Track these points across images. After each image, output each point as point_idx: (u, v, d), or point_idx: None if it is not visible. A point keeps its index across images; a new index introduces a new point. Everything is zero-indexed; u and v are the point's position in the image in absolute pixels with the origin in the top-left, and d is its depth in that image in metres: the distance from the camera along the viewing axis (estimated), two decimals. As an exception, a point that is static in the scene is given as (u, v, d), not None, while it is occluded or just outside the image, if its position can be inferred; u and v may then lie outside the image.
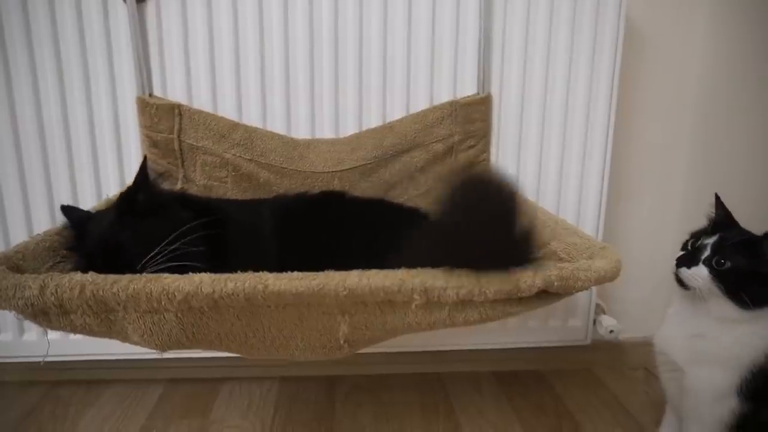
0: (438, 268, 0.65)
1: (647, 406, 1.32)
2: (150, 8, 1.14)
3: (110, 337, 0.67)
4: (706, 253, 0.85)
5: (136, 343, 0.67)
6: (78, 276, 0.61)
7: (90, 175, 1.20)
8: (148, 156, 1.14)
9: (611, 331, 1.33)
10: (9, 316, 1.22)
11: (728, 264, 0.82)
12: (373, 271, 0.64)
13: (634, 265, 1.41)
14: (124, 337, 0.67)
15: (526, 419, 1.26)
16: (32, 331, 1.25)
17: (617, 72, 1.20)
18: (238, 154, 1.14)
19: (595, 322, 1.36)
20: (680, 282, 0.88)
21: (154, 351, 0.71)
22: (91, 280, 0.61)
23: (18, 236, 1.20)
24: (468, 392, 1.38)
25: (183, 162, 1.16)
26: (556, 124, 1.23)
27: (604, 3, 1.17)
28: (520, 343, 1.37)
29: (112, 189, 1.20)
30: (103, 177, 1.21)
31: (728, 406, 0.85)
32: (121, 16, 1.14)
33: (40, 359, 1.19)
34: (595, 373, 1.46)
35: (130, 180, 1.13)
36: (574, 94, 1.22)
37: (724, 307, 0.83)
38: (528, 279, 0.64)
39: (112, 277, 0.61)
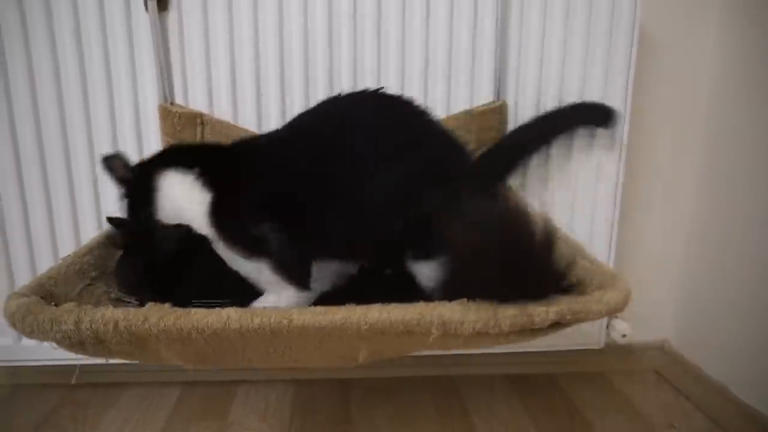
0: (456, 301, 0.66)
1: (659, 410, 1.34)
2: (172, 17, 1.15)
3: (144, 359, 0.69)
4: None
5: (169, 362, 0.69)
6: (110, 312, 0.63)
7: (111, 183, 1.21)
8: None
9: (624, 336, 1.34)
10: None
11: None
12: (393, 306, 0.65)
13: (645, 269, 1.42)
14: (158, 359, 0.69)
15: (539, 422, 1.28)
16: (54, 336, 1.27)
17: (631, 79, 1.20)
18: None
19: (607, 326, 1.37)
20: None
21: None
22: (122, 316, 0.62)
23: (40, 239, 1.23)
24: (481, 395, 1.40)
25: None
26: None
27: (619, 10, 1.16)
28: (533, 347, 1.38)
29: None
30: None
31: None
32: (143, 24, 1.14)
33: (74, 369, 1.22)
34: (607, 376, 1.48)
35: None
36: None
37: None
38: (542, 313, 0.65)
39: (142, 312, 0.63)
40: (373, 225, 0.81)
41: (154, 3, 1.12)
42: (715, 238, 1.32)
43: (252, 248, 0.76)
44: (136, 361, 0.72)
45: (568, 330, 1.33)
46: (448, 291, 0.69)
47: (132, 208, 0.87)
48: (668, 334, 1.48)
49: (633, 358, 1.49)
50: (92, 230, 1.22)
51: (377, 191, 0.81)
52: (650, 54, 1.28)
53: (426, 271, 0.83)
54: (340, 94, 0.95)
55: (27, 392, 1.40)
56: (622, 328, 1.34)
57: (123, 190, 0.90)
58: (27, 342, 1.27)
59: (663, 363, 1.48)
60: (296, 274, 0.79)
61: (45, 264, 1.22)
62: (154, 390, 1.41)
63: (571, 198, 1.26)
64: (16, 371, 1.41)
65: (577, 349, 1.39)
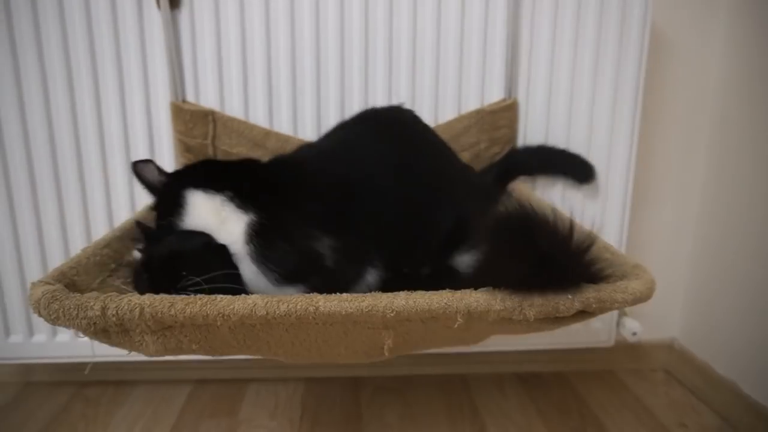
0: (482, 289, 0.67)
1: (669, 408, 1.34)
2: (184, 14, 1.15)
3: (165, 354, 0.69)
4: None
5: (191, 352, 0.69)
6: (136, 298, 0.63)
7: (123, 178, 1.22)
8: (182, 161, 1.16)
9: (634, 334, 1.34)
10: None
11: None
12: (419, 293, 0.66)
13: (654, 267, 1.41)
14: (179, 350, 0.69)
15: (550, 420, 1.28)
16: (65, 333, 1.27)
17: (642, 77, 1.21)
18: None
19: (618, 324, 1.37)
20: None
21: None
22: (149, 302, 0.62)
23: (52, 236, 1.23)
24: (491, 393, 1.40)
25: (216, 168, 1.17)
26: (581, 129, 1.23)
27: (630, 8, 1.17)
28: (543, 345, 1.39)
29: (145, 192, 1.21)
30: (137, 181, 1.21)
31: None
32: (155, 22, 1.15)
33: (85, 366, 1.22)
34: (617, 374, 1.48)
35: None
36: (600, 99, 1.22)
37: None
38: (567, 301, 0.65)
39: (168, 298, 0.63)
40: (419, 232, 0.86)
41: (166, 1, 1.13)
42: (724, 237, 1.32)
43: (295, 269, 0.75)
44: (160, 356, 0.71)
45: (579, 328, 1.35)
46: (480, 277, 0.70)
47: (160, 218, 0.86)
48: (677, 332, 1.49)
49: (642, 356, 1.50)
50: (103, 225, 1.23)
51: (421, 200, 0.86)
52: (660, 52, 1.29)
53: (466, 260, 0.87)
54: (372, 109, 0.99)
55: (38, 389, 1.40)
56: (633, 326, 1.34)
57: (153, 200, 0.91)
58: (38, 339, 1.26)
59: (672, 361, 1.49)
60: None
61: (56, 260, 1.23)
62: (165, 387, 1.41)
63: (581, 197, 1.26)
64: (27, 368, 1.41)
65: (587, 347, 1.39)
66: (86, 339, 1.22)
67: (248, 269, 0.76)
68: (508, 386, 1.43)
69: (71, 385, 1.41)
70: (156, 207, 0.90)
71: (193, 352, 0.70)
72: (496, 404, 1.35)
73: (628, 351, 1.47)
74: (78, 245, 1.22)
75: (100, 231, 1.22)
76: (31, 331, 1.26)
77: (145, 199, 1.18)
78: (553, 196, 1.26)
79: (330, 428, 1.26)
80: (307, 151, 0.97)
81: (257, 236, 0.75)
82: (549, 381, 1.45)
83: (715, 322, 1.36)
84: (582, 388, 1.42)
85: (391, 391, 1.40)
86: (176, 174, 0.91)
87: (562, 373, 1.48)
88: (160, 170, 0.90)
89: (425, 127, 1.01)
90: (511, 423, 1.28)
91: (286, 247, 0.75)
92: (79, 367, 1.33)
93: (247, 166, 0.92)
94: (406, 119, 0.99)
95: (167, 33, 1.14)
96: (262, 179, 0.85)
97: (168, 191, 0.87)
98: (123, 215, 1.22)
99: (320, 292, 0.67)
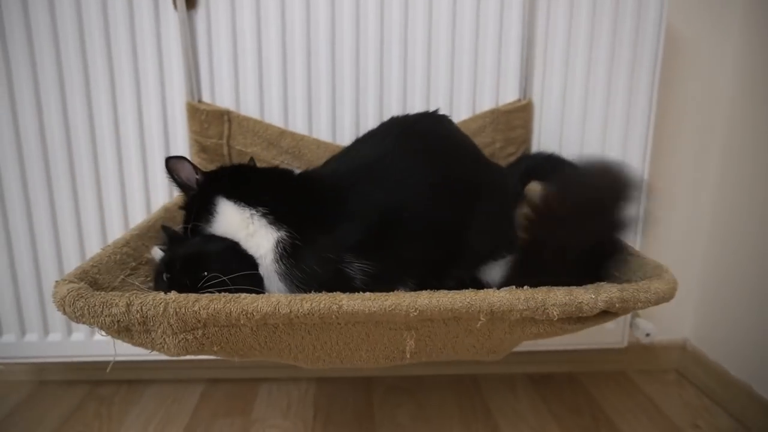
0: (504, 289, 0.67)
1: (682, 409, 1.33)
2: (200, 14, 1.16)
3: (186, 355, 0.69)
4: None
5: (212, 354, 0.70)
6: (161, 295, 0.63)
7: (139, 177, 1.22)
8: (197, 161, 1.16)
9: (647, 335, 1.34)
10: (58, 317, 1.25)
11: None
12: (442, 293, 0.66)
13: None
14: (200, 351, 0.69)
15: (563, 421, 1.28)
16: (80, 332, 1.27)
17: (657, 77, 1.20)
18: (286, 162, 1.16)
19: (631, 325, 1.37)
20: None
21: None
22: (173, 298, 0.63)
23: (68, 236, 1.23)
24: (503, 394, 1.40)
25: (231, 168, 1.18)
26: (596, 130, 1.23)
27: (645, 9, 1.17)
28: (555, 346, 1.39)
29: (160, 191, 1.22)
30: (152, 180, 1.23)
31: None
32: (172, 22, 1.16)
33: (109, 360, 1.22)
34: (629, 375, 1.48)
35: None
36: (614, 99, 1.22)
37: None
38: (590, 301, 0.65)
39: (193, 296, 0.63)
40: (452, 248, 0.84)
41: (183, 1, 1.14)
42: (736, 237, 1.32)
43: (321, 290, 0.72)
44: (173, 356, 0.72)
45: (591, 329, 1.35)
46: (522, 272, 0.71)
47: (188, 221, 0.86)
48: (689, 333, 1.48)
49: (654, 357, 1.49)
50: (118, 224, 1.24)
51: (456, 217, 0.84)
52: (675, 51, 1.29)
53: (495, 271, 0.88)
54: (406, 118, 0.96)
55: (51, 388, 1.41)
56: (646, 327, 1.34)
57: (184, 200, 0.91)
58: (53, 338, 1.27)
59: (684, 362, 1.48)
60: None
61: (72, 259, 1.24)
62: (177, 387, 1.41)
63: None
64: (40, 367, 1.42)
65: (599, 348, 1.39)
66: (100, 338, 1.24)
67: (275, 286, 0.76)
68: (519, 387, 1.43)
69: (84, 384, 1.41)
70: (185, 208, 0.90)
71: (214, 353, 0.71)
72: (509, 405, 1.35)
73: (640, 352, 1.47)
74: (93, 244, 1.23)
75: (116, 230, 1.23)
76: (46, 331, 1.27)
77: (161, 199, 1.20)
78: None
79: (343, 428, 1.26)
80: (340, 164, 0.94)
81: (287, 255, 0.75)
82: (561, 382, 1.45)
83: (728, 322, 1.36)
84: (594, 389, 1.41)
85: (403, 392, 1.40)
86: (210, 177, 0.90)
87: (574, 374, 1.48)
88: (195, 168, 0.89)
89: (460, 135, 0.97)
90: (524, 424, 1.27)
91: (316, 269, 0.74)
92: (93, 366, 1.34)
93: (281, 179, 0.91)
94: (440, 130, 0.95)
95: (183, 33, 1.15)
96: (295, 195, 0.85)
97: (199, 195, 0.87)
98: (138, 214, 1.23)
99: None
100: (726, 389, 1.34)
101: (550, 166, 1.21)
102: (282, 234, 0.77)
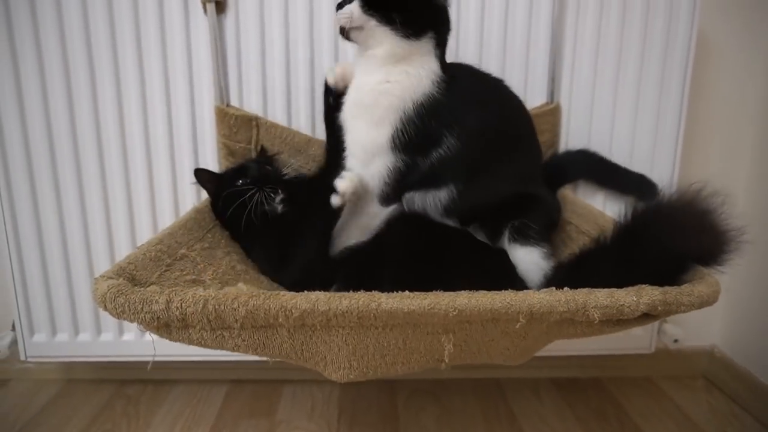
0: (544, 290, 0.67)
1: (710, 416, 1.32)
2: (229, 19, 1.17)
3: (221, 349, 0.70)
4: None
5: (249, 354, 0.70)
6: (201, 291, 0.64)
7: (168, 179, 1.24)
8: (225, 164, 1.17)
9: (675, 341, 1.33)
10: (87, 318, 1.27)
11: None
12: (482, 293, 0.66)
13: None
14: (237, 351, 0.70)
15: (589, 427, 1.27)
16: (109, 332, 1.29)
17: (688, 83, 1.20)
18: (313, 169, 1.16)
19: (658, 331, 1.36)
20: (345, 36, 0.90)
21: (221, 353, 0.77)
22: (213, 295, 0.63)
23: (98, 237, 1.25)
24: (527, 398, 1.39)
25: (259, 172, 1.19)
26: (624, 133, 1.23)
27: (677, 15, 1.17)
28: (581, 351, 1.38)
29: (188, 193, 1.24)
30: (180, 182, 1.24)
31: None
32: (201, 27, 1.17)
33: (149, 359, 1.27)
34: (655, 381, 1.46)
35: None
36: (644, 104, 1.22)
37: (384, 41, 0.86)
38: (632, 303, 0.65)
39: (232, 292, 0.64)
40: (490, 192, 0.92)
41: (213, 6, 1.15)
42: (765, 242, 1.30)
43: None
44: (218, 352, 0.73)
45: (618, 334, 1.34)
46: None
47: None
48: (717, 340, 1.47)
49: (681, 363, 1.48)
50: (147, 224, 1.25)
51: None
52: (705, 57, 1.28)
53: (528, 258, 0.90)
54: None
55: (80, 387, 1.42)
56: (675, 333, 1.33)
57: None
58: (83, 338, 1.29)
59: (712, 368, 1.47)
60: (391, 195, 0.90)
61: (102, 263, 1.25)
62: (202, 387, 1.42)
63: (624, 202, 1.25)
64: (69, 366, 1.43)
65: (626, 354, 1.38)
66: (128, 339, 1.25)
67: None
68: (543, 392, 1.42)
69: (112, 383, 1.43)
70: None
71: (251, 354, 0.71)
72: (533, 409, 1.34)
73: (667, 358, 1.45)
74: (123, 245, 1.25)
75: (145, 230, 1.25)
76: (76, 331, 1.29)
77: (189, 200, 1.22)
78: (596, 200, 1.25)
79: (367, 430, 1.26)
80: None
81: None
82: (585, 387, 1.44)
83: (756, 328, 1.34)
84: (620, 395, 1.40)
85: (427, 395, 1.40)
86: None
87: (599, 379, 1.47)
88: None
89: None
90: (549, 429, 1.27)
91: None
92: (119, 365, 1.36)
93: None
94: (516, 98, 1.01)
95: (213, 38, 1.16)
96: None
97: None
98: (167, 215, 1.24)
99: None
100: (755, 396, 1.32)
101: (585, 162, 1.21)
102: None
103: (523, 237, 0.90)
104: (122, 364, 1.34)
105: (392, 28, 0.84)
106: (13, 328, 1.30)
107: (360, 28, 0.86)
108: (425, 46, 0.87)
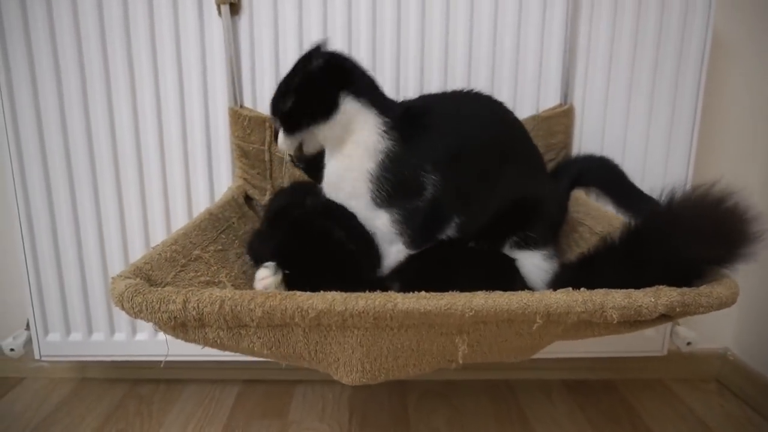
0: (561, 291, 0.66)
1: (723, 420, 1.31)
2: (243, 21, 1.18)
3: (237, 351, 0.70)
4: None
5: (263, 356, 0.71)
6: (217, 292, 0.64)
7: (181, 180, 1.24)
8: (238, 166, 1.18)
9: (689, 343, 1.32)
10: (101, 318, 1.28)
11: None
12: (498, 293, 0.66)
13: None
14: (251, 352, 0.70)
15: (600, 429, 1.27)
16: (122, 332, 1.30)
17: (703, 85, 1.19)
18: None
19: (671, 333, 1.35)
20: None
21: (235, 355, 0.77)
22: (230, 296, 0.64)
23: (112, 238, 1.26)
24: (539, 400, 1.39)
25: (271, 173, 1.19)
26: (638, 134, 1.22)
27: (692, 16, 1.16)
28: (593, 353, 1.37)
29: (201, 194, 1.24)
30: (193, 183, 1.25)
31: None
32: (216, 28, 1.18)
33: (162, 358, 1.28)
34: (667, 384, 1.46)
35: (218, 185, 1.21)
36: (658, 106, 1.21)
37: (318, 135, 0.88)
38: (650, 305, 0.64)
39: (249, 293, 0.64)
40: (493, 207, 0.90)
41: (227, 7, 1.16)
42: (782, 244, 1.29)
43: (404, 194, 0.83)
44: (229, 353, 0.74)
45: (631, 336, 1.33)
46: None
47: None
48: (730, 342, 1.46)
49: (693, 365, 1.47)
50: (161, 224, 1.26)
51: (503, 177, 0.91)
52: (720, 57, 1.27)
53: (530, 261, 0.90)
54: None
55: (93, 386, 1.43)
56: (688, 336, 1.32)
57: None
58: (96, 338, 1.30)
59: (725, 371, 1.46)
60: (419, 236, 0.86)
61: (117, 264, 1.26)
62: (215, 387, 1.43)
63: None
64: (84, 365, 1.44)
65: (638, 356, 1.37)
66: (141, 339, 1.26)
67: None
68: (555, 393, 1.42)
69: (125, 383, 1.44)
70: None
71: (264, 356, 0.72)
72: (545, 411, 1.34)
73: (680, 360, 1.44)
74: (137, 246, 1.26)
75: (158, 230, 1.26)
76: (90, 331, 1.29)
77: (202, 200, 1.22)
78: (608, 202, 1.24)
79: (378, 431, 1.26)
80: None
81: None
82: (597, 389, 1.44)
83: (770, 331, 1.33)
84: (632, 398, 1.40)
85: (438, 396, 1.40)
86: None
87: (611, 381, 1.46)
88: None
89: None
90: (561, 431, 1.26)
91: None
92: (132, 364, 1.37)
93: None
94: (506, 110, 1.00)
95: (227, 39, 1.17)
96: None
97: None
98: (180, 215, 1.25)
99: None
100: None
101: (603, 172, 1.21)
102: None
103: (524, 244, 0.91)
104: (135, 363, 1.35)
105: (313, 124, 0.85)
106: (28, 327, 1.31)
107: (299, 144, 0.91)
108: (349, 110, 0.84)
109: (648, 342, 1.34)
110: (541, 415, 1.32)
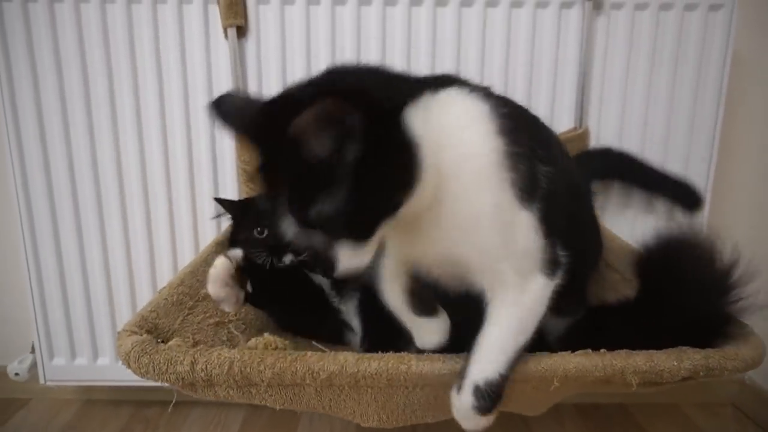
0: (580, 352, 0.64)
1: (739, 446, 1.29)
2: (250, 43, 1.15)
3: (250, 402, 0.68)
4: None
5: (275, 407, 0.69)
6: (226, 352, 0.62)
7: (187, 206, 1.23)
8: (245, 190, 1.16)
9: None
10: (107, 342, 1.26)
11: None
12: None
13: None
14: (264, 404, 0.68)
15: (616, 457, 1.24)
16: (128, 357, 1.28)
17: (722, 104, 1.16)
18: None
19: (685, 358, 1.32)
20: None
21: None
22: (239, 357, 0.61)
23: (117, 264, 1.24)
24: (550, 426, 1.36)
25: (278, 198, 1.17)
26: (655, 158, 1.19)
27: (711, 36, 1.13)
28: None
29: (207, 215, 1.23)
30: (200, 209, 1.23)
31: None
32: (222, 50, 1.16)
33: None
34: (682, 408, 1.43)
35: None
36: (675, 129, 1.18)
37: None
38: (673, 368, 0.62)
39: (258, 354, 0.62)
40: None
41: (234, 30, 1.13)
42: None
43: None
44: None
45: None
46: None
47: None
48: (746, 367, 1.43)
49: (710, 390, 1.44)
50: (166, 250, 1.24)
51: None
52: (739, 75, 1.24)
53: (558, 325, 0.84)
54: None
55: (99, 408, 1.42)
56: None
57: None
58: (102, 362, 1.28)
59: (742, 396, 1.43)
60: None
61: (124, 290, 1.24)
62: (221, 411, 1.41)
63: (657, 222, 1.22)
64: (89, 388, 1.43)
65: (652, 380, 1.34)
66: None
67: None
68: (567, 418, 1.39)
69: (130, 405, 1.42)
70: None
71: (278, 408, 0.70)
72: (558, 437, 1.32)
73: (696, 385, 1.41)
74: (142, 270, 1.24)
75: (164, 256, 1.24)
76: (95, 355, 1.28)
77: (209, 229, 1.20)
78: (623, 220, 1.21)
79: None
80: None
81: None
82: (610, 414, 1.41)
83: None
84: (646, 423, 1.37)
85: (447, 423, 1.37)
86: None
87: (624, 406, 1.44)
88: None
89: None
90: (575, 458, 1.24)
91: None
92: (138, 390, 1.35)
93: None
94: None
95: (234, 62, 1.14)
96: None
97: None
98: (186, 239, 1.23)
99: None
100: (786, 426, 1.29)
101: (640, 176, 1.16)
102: None
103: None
104: (141, 388, 1.34)
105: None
106: (33, 351, 1.30)
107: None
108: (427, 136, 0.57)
109: (663, 368, 1.31)
110: (553, 441, 1.30)
